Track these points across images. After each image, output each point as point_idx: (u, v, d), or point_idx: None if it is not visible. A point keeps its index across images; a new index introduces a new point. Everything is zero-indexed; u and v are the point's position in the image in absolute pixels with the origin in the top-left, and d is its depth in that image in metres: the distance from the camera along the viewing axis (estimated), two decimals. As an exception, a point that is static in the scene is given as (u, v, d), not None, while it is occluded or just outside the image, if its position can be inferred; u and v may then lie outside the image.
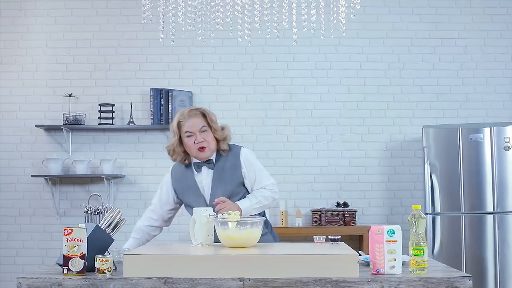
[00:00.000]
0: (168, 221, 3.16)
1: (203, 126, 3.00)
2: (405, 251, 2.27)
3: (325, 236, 2.63)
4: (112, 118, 5.19)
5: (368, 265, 2.28)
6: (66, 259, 2.19)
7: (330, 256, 2.17)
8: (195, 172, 3.04)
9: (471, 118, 5.24)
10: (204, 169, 3.03)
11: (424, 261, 2.17)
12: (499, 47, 5.33)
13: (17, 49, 5.36)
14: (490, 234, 4.61)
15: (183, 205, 3.15)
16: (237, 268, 2.14)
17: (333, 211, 5.00)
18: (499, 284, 4.57)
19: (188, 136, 2.98)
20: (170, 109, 5.09)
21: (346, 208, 5.01)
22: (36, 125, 5.18)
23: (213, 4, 3.19)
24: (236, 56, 5.32)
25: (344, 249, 2.36)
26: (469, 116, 5.26)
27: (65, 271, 2.19)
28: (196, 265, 2.16)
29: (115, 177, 5.22)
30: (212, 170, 3.02)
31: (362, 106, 5.30)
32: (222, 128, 3.07)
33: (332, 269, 2.12)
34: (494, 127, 4.68)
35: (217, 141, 3.03)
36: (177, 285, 2.14)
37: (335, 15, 3.25)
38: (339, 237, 2.59)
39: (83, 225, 2.34)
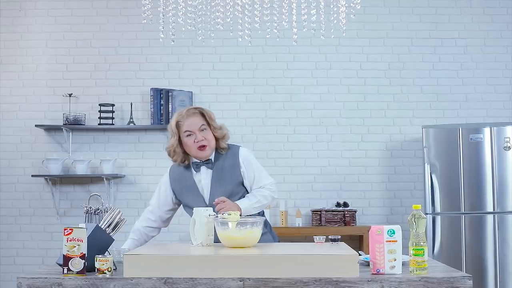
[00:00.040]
0: (166, 222, 3.15)
1: (202, 124, 3.00)
2: (405, 251, 2.27)
3: (325, 236, 2.63)
4: (112, 118, 5.19)
5: (368, 265, 2.28)
6: (66, 259, 2.19)
7: (330, 256, 2.17)
8: (194, 172, 3.04)
9: (471, 118, 5.24)
10: (203, 168, 3.02)
11: (424, 261, 2.17)
12: (499, 47, 5.33)
13: (17, 49, 5.36)
14: (490, 234, 4.61)
15: (181, 205, 3.15)
16: (237, 268, 2.14)
17: (333, 211, 5.00)
18: (499, 284, 4.57)
19: (187, 136, 2.98)
20: (170, 109, 5.09)
21: (346, 208, 5.01)
22: (36, 125, 5.18)
23: (213, 4, 3.19)
24: (236, 56, 5.32)
25: (344, 249, 2.36)
26: (469, 116, 5.26)
27: (65, 271, 2.19)
28: (196, 265, 2.16)
29: (115, 177, 5.22)
30: (211, 170, 3.01)
31: (362, 106, 5.31)
32: (220, 127, 3.07)
33: (332, 269, 2.12)
34: (494, 127, 4.68)
35: (216, 139, 3.03)
36: (177, 285, 2.14)
37: (335, 15, 3.25)
38: (339, 237, 2.59)
39: (83, 225, 2.34)
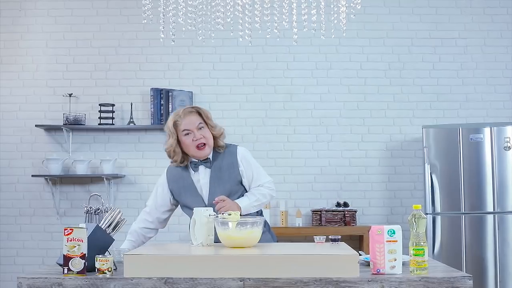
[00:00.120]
0: (163, 223, 3.13)
1: (200, 123, 3.00)
2: (405, 251, 2.27)
3: (325, 236, 2.63)
4: (112, 118, 5.19)
5: (369, 265, 2.28)
6: (67, 259, 2.19)
7: (330, 256, 2.17)
8: (192, 172, 3.03)
9: (471, 118, 5.24)
10: (202, 168, 3.02)
11: (424, 261, 2.17)
12: (499, 47, 5.34)
13: (17, 49, 5.36)
14: (490, 234, 4.61)
15: (178, 206, 3.14)
16: (238, 268, 2.14)
17: (333, 211, 5.00)
18: (499, 284, 4.57)
19: (186, 135, 2.97)
20: (170, 109, 5.09)
21: (346, 208, 5.01)
22: (36, 125, 5.18)
23: (213, 4, 3.19)
24: (236, 56, 5.32)
25: (344, 249, 2.36)
26: (469, 116, 5.26)
27: (66, 271, 2.19)
28: (197, 265, 2.16)
29: (115, 177, 5.22)
30: (210, 169, 3.01)
31: (362, 106, 5.31)
32: (216, 126, 3.07)
33: (333, 269, 2.12)
34: (494, 127, 4.68)
35: (214, 138, 3.03)
36: (178, 285, 2.14)
37: (336, 15, 3.25)
38: (339, 237, 2.59)
39: (83, 225, 2.34)
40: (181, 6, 3.12)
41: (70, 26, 5.36)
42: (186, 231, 3.06)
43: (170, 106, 5.11)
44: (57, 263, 2.42)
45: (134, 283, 2.14)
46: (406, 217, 5.04)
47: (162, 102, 5.14)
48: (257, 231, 2.46)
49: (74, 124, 5.13)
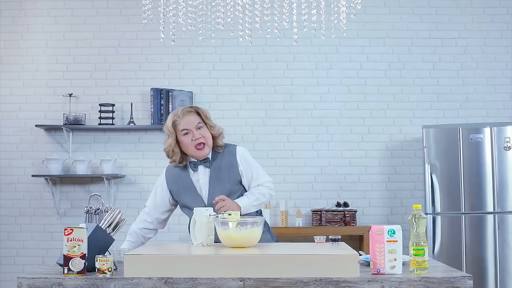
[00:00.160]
0: (162, 223, 3.13)
1: (199, 122, 2.99)
2: (405, 251, 2.27)
3: (325, 236, 2.63)
4: (113, 118, 5.19)
5: (369, 265, 2.28)
6: (67, 259, 2.19)
7: (330, 256, 2.17)
8: (191, 172, 3.03)
9: (471, 118, 5.24)
10: (201, 168, 3.02)
11: (424, 261, 2.17)
12: (499, 47, 5.34)
13: (17, 49, 5.36)
14: (491, 234, 4.61)
15: (177, 206, 3.14)
16: (238, 268, 2.14)
17: (333, 211, 5.00)
18: (500, 284, 4.57)
19: (185, 134, 2.97)
20: (170, 109, 5.09)
21: (346, 208, 5.01)
22: (36, 125, 5.18)
23: (213, 4, 3.19)
24: (237, 56, 5.32)
25: (344, 249, 2.36)
26: (469, 116, 5.26)
27: (66, 271, 2.19)
28: (197, 265, 2.16)
29: (115, 177, 5.22)
30: (209, 169, 3.01)
31: (362, 106, 5.31)
32: (215, 126, 3.06)
33: (333, 269, 2.12)
34: (494, 127, 4.68)
35: (213, 138, 3.03)
36: (178, 285, 2.14)
37: (336, 15, 3.25)
38: (340, 237, 2.59)
39: (83, 225, 2.34)
40: (181, 6, 3.13)
41: (70, 26, 5.36)
42: (186, 231, 3.06)
43: (170, 106, 5.11)
44: (57, 263, 2.42)
45: (134, 283, 2.14)
46: (406, 217, 5.04)
47: (162, 102, 5.14)
48: (257, 231, 2.46)
49: (74, 124, 5.14)
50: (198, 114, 3.02)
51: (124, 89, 5.32)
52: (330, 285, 2.10)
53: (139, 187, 5.25)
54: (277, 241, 3.17)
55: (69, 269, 2.19)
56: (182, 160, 3.02)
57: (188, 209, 3.00)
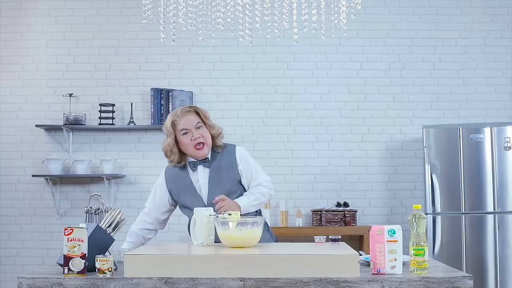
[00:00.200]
0: (162, 224, 3.12)
1: (198, 122, 2.99)
2: (405, 251, 2.27)
3: (325, 236, 2.63)
4: (113, 118, 5.19)
5: (369, 265, 2.28)
6: (67, 259, 2.19)
7: (330, 256, 2.17)
8: (191, 172, 3.03)
9: (471, 118, 5.24)
10: (200, 168, 3.01)
11: (424, 261, 2.17)
12: (500, 47, 5.34)
13: (17, 49, 5.36)
14: (491, 234, 4.61)
15: (177, 206, 3.14)
16: (238, 268, 2.14)
17: (333, 211, 5.00)
18: (500, 284, 4.57)
19: (184, 134, 2.97)
20: (170, 109, 5.08)
21: (346, 208, 5.01)
22: (36, 125, 5.18)
23: (214, 4, 3.19)
24: (237, 56, 5.32)
25: (344, 249, 2.36)
26: (470, 116, 5.26)
27: (66, 271, 2.19)
28: (197, 265, 2.16)
29: (116, 177, 5.22)
30: (208, 169, 3.01)
31: (362, 106, 5.31)
32: (214, 126, 3.06)
33: (333, 269, 2.12)
34: (495, 127, 4.68)
35: (212, 138, 3.02)
36: (178, 285, 2.14)
37: (336, 15, 3.25)
38: (340, 237, 2.59)
39: (83, 225, 2.34)
40: (182, 6, 3.13)
41: (71, 26, 5.36)
42: (186, 231, 3.06)
43: (170, 106, 5.11)
44: (57, 263, 2.42)
45: (135, 283, 2.14)
46: (406, 217, 5.04)
47: (162, 102, 5.14)
48: (258, 231, 2.46)
49: (74, 124, 5.14)
50: (197, 114, 3.02)
51: (124, 89, 5.32)
52: (330, 285, 2.10)
53: (139, 187, 5.25)
54: (276, 241, 3.17)
55: (69, 269, 2.19)
56: (181, 160, 3.02)
57: (187, 209, 3.00)
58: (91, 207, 2.56)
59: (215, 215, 2.60)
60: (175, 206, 3.13)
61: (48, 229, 5.23)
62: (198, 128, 2.98)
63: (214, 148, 3.04)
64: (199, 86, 5.30)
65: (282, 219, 5.08)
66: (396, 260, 2.16)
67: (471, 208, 4.64)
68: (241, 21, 3.19)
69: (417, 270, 2.16)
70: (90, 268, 2.23)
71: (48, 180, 5.16)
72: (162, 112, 5.12)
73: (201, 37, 3.26)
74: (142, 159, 5.27)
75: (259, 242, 2.52)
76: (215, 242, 2.61)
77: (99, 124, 5.18)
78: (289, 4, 3.19)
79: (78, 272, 2.19)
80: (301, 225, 5.09)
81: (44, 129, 5.28)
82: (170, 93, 5.14)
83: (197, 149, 2.96)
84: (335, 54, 5.33)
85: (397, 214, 5.22)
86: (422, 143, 4.76)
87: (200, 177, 3.01)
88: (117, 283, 2.15)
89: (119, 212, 2.48)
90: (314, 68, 5.33)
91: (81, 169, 5.10)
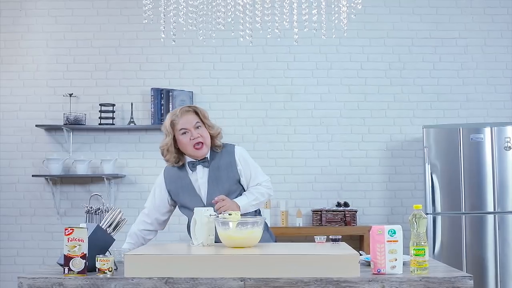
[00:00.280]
0: (162, 225, 3.12)
1: (197, 122, 2.99)
2: (406, 251, 2.27)
3: (325, 236, 2.63)
4: (113, 118, 5.19)
5: (369, 265, 2.28)
6: (67, 259, 2.19)
7: (331, 256, 2.17)
8: (190, 172, 3.02)
9: (471, 118, 5.24)
10: (199, 168, 3.01)
11: (425, 261, 2.17)
12: (500, 47, 5.33)
13: (17, 49, 5.36)
14: (491, 234, 4.61)
15: (177, 207, 3.13)
16: (238, 268, 2.14)
17: (333, 211, 5.00)
18: (500, 284, 4.57)
19: (183, 133, 2.96)
20: (170, 109, 5.08)
21: (346, 208, 5.01)
22: (36, 125, 5.18)
23: (214, 4, 3.19)
24: (237, 56, 5.32)
25: (345, 249, 2.36)
26: (470, 116, 5.26)
27: (66, 271, 2.19)
28: (197, 265, 2.16)
29: (116, 177, 5.22)
30: (208, 169, 3.01)
31: (362, 106, 5.31)
32: (213, 126, 3.06)
33: (333, 269, 2.12)
34: (495, 127, 4.68)
35: (211, 137, 3.02)
36: (178, 285, 2.14)
37: (336, 15, 3.25)
38: (340, 237, 2.59)
39: (84, 225, 2.34)
40: (182, 6, 3.13)
41: (71, 26, 5.37)
42: (186, 231, 3.06)
43: (170, 106, 5.11)
44: (57, 263, 2.42)
45: (135, 283, 2.14)
46: (406, 217, 5.04)
47: (162, 102, 5.14)
48: (258, 231, 2.46)
49: (75, 124, 5.14)
50: (197, 113, 3.02)
51: (124, 89, 5.32)
52: (330, 285, 2.10)
53: (140, 187, 5.25)
54: (276, 241, 3.17)
55: (69, 269, 2.19)
56: (179, 160, 3.02)
57: (187, 209, 3.00)
58: (91, 207, 2.56)
59: (215, 215, 2.60)
60: (174, 207, 3.13)
61: (48, 229, 5.23)
62: (197, 128, 2.98)
63: (213, 148, 3.04)
64: (199, 86, 5.30)
65: (282, 219, 5.08)
66: (396, 260, 2.16)
67: (471, 208, 4.64)
68: (242, 21, 3.19)
69: (417, 270, 2.16)
70: (90, 268, 2.23)
71: (48, 180, 5.16)
72: (162, 112, 5.12)
73: (201, 37, 3.26)
74: (142, 159, 5.27)
75: (259, 242, 2.52)
76: (215, 242, 2.61)
77: (99, 124, 5.18)
78: (289, 4, 3.19)
79: (79, 272, 2.19)
80: (301, 225, 5.09)
81: (44, 129, 5.28)
82: (170, 93, 5.14)
83: (196, 148, 2.96)
84: (335, 54, 5.33)
85: (397, 214, 5.22)
86: (422, 143, 4.76)
87: (199, 177, 3.01)
88: (117, 283, 2.15)
89: (120, 212, 2.48)
90: (314, 68, 5.33)
91: (81, 169, 5.10)
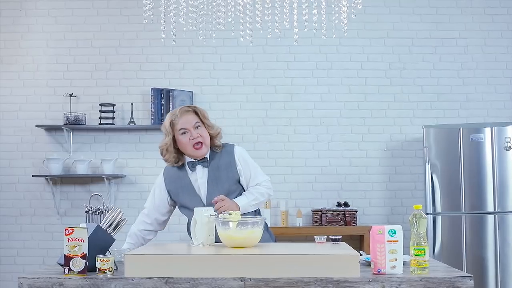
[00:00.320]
0: (162, 225, 3.12)
1: (197, 122, 2.99)
2: (406, 251, 2.27)
3: (326, 236, 2.63)
4: (113, 118, 5.19)
5: (369, 265, 2.28)
6: (67, 259, 2.19)
7: (331, 256, 2.17)
8: (189, 172, 3.02)
9: (471, 118, 5.24)
10: (199, 168, 3.01)
11: (425, 261, 2.17)
12: (500, 47, 5.33)
13: (17, 49, 5.36)
14: (491, 234, 4.61)
15: (176, 207, 3.13)
16: (238, 268, 2.14)
17: (333, 211, 5.00)
18: (500, 284, 4.57)
19: (182, 133, 2.96)
20: (170, 109, 5.08)
21: (346, 208, 5.01)
22: (36, 125, 5.18)
23: (214, 4, 3.19)
24: (237, 56, 5.32)
25: (345, 249, 2.36)
26: (470, 116, 5.26)
27: (66, 271, 2.19)
28: (197, 265, 2.16)
29: (116, 177, 5.22)
30: (207, 169, 3.01)
31: (362, 106, 5.31)
32: (213, 126, 3.06)
33: (333, 269, 2.12)
34: (495, 127, 4.68)
35: (211, 137, 3.02)
36: (178, 285, 2.14)
37: (336, 15, 3.25)
38: (340, 237, 2.59)
39: (84, 225, 2.34)
40: (182, 6, 3.13)
41: (71, 26, 5.37)
42: (186, 231, 3.06)
43: (170, 106, 5.11)
44: (58, 263, 2.41)
45: (135, 283, 2.14)
46: (406, 217, 5.05)
47: (162, 102, 5.14)
48: (258, 231, 2.46)
49: (75, 124, 5.14)
50: (196, 113, 3.02)
51: (124, 89, 5.32)
52: (330, 285, 2.10)
53: (140, 187, 5.25)
54: (276, 241, 3.17)
55: (69, 269, 2.19)
56: (178, 160, 3.02)
57: (186, 209, 3.00)
58: (91, 207, 2.56)
59: (215, 215, 2.60)
60: (174, 207, 3.13)
61: (49, 229, 5.23)
62: (197, 127, 2.98)
63: (213, 148, 3.04)
64: (199, 86, 5.30)
65: (282, 219, 5.08)
66: (396, 260, 2.17)
67: (472, 208, 4.64)
68: (242, 21, 3.19)
69: (417, 270, 2.16)
70: (90, 268, 2.23)
71: (49, 180, 5.16)
72: (162, 112, 5.12)
73: (201, 37, 3.26)
74: (142, 159, 5.27)
75: (259, 242, 2.52)
76: (215, 242, 2.61)
77: (99, 124, 5.18)
78: (289, 4, 3.19)
79: (79, 272, 2.19)
80: (301, 225, 5.09)
81: (44, 129, 5.28)
82: (171, 93, 5.14)
83: (196, 148, 2.96)
84: (336, 54, 5.33)
85: (398, 214, 5.22)
86: (423, 143, 4.76)
87: (199, 177, 3.01)
88: (117, 283, 2.15)
89: (120, 212, 2.48)
90: (315, 68, 5.33)
91: (81, 169, 5.10)
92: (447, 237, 4.67)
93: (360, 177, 5.27)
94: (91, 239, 2.25)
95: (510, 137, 4.65)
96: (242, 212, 2.85)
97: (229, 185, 2.99)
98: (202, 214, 2.58)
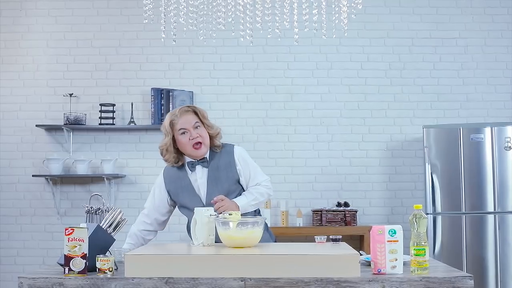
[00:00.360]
0: (162, 225, 3.12)
1: (196, 122, 2.99)
2: (406, 251, 2.27)
3: (326, 236, 2.63)
4: (113, 118, 5.19)
5: (369, 265, 2.28)
6: (68, 259, 2.19)
7: (331, 256, 2.17)
8: (189, 172, 3.03)
9: (471, 118, 5.24)
10: (199, 168, 3.01)
11: (425, 261, 2.17)
12: (500, 47, 5.34)
13: (17, 49, 5.36)
14: (491, 234, 4.61)
15: (176, 207, 3.13)
16: (239, 268, 2.14)
17: (334, 211, 5.00)
18: (500, 284, 4.57)
19: (182, 133, 2.96)
20: (170, 109, 5.08)
21: (347, 208, 5.01)
22: (36, 125, 5.18)
23: (214, 4, 3.19)
24: (237, 56, 5.32)
25: (345, 249, 2.36)
26: (470, 116, 5.26)
27: (67, 271, 2.19)
28: (198, 265, 2.16)
29: (116, 177, 5.22)
30: (207, 169, 3.01)
31: (362, 106, 5.31)
32: (213, 126, 3.06)
33: (334, 269, 2.12)
34: (495, 127, 4.68)
35: (210, 137, 3.02)
36: (179, 285, 2.14)
37: (337, 15, 3.25)
38: (340, 237, 2.59)
39: (84, 225, 2.34)
40: (182, 6, 3.13)
41: (71, 26, 5.37)
42: (186, 231, 3.06)
43: (170, 106, 5.11)
44: (58, 263, 2.41)
45: (135, 283, 2.14)
46: (406, 217, 5.05)
47: (162, 102, 5.14)
48: (258, 231, 2.46)
49: (75, 124, 5.14)
50: (196, 113, 3.02)
51: (124, 89, 5.32)
52: (331, 285, 2.10)
53: (140, 187, 5.25)
54: (276, 241, 3.17)
55: (70, 269, 2.19)
56: (178, 160, 3.02)
57: (186, 209, 3.00)
58: (91, 207, 2.56)
59: (215, 215, 2.60)
60: (174, 207, 3.13)
61: (49, 229, 5.23)
62: (196, 127, 2.98)
63: (213, 148, 3.05)
64: (199, 86, 5.30)
65: (282, 219, 5.08)
66: (396, 260, 2.17)
67: (472, 208, 4.64)
68: (242, 21, 3.19)
69: (417, 270, 2.16)
70: (90, 268, 2.23)
71: (49, 180, 5.16)
72: (162, 112, 5.12)
73: (201, 37, 3.26)
74: (142, 159, 5.27)
75: (259, 242, 2.52)
76: (215, 242, 2.61)
77: (99, 124, 5.18)
78: (289, 4, 3.19)
79: (79, 272, 2.19)
80: (301, 225, 5.09)
81: (44, 129, 5.28)
82: (171, 93, 5.14)
83: (195, 148, 2.96)
84: (336, 54, 5.33)
85: (398, 214, 5.22)
86: (423, 143, 4.76)
87: (199, 177, 3.01)
88: (117, 283, 2.15)
89: (120, 212, 2.48)
90: (315, 68, 5.33)
91: (81, 169, 5.10)
92: (447, 237, 4.67)
93: (360, 177, 5.27)
94: (91, 239, 2.25)
95: (510, 137, 4.65)
96: (241, 212, 2.84)
97: (228, 185, 2.99)
98: (202, 214, 2.58)
